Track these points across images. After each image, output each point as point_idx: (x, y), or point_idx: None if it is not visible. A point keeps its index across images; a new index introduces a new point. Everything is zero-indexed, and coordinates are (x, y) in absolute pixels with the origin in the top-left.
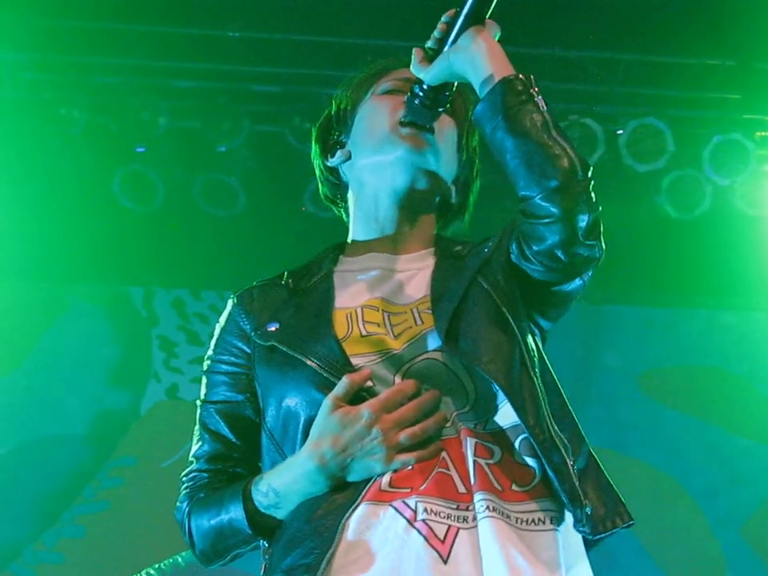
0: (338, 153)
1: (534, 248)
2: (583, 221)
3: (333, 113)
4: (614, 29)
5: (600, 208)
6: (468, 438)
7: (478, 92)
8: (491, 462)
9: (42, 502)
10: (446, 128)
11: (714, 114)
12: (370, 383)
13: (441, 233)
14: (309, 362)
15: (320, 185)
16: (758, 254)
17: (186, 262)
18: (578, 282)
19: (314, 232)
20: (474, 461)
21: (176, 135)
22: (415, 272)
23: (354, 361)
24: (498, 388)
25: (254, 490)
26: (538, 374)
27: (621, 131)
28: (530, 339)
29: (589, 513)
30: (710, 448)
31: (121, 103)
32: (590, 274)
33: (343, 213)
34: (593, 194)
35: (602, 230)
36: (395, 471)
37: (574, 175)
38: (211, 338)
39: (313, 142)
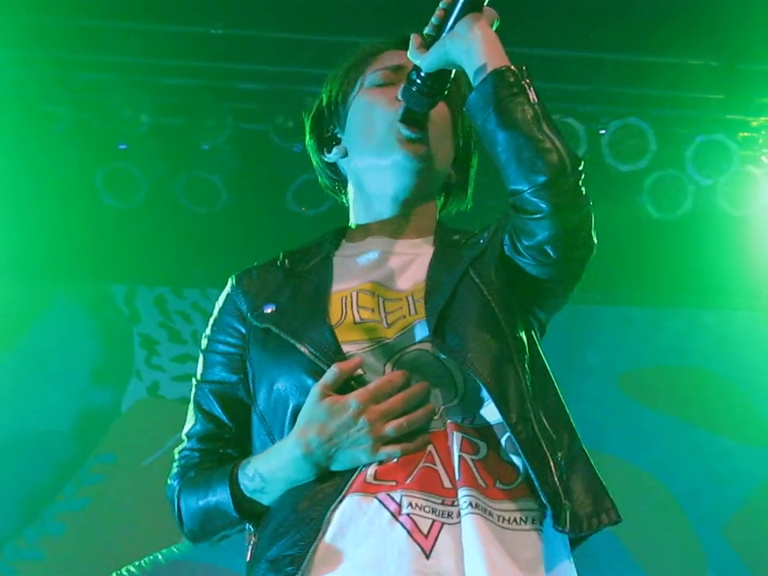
0: (335, 149)
1: (525, 243)
2: (573, 216)
3: (324, 104)
4: (596, 28)
5: (591, 202)
6: (455, 433)
7: (471, 81)
8: (476, 458)
9: (22, 498)
10: (440, 114)
11: (697, 114)
12: (360, 372)
13: (444, 212)
14: (301, 348)
15: (318, 176)
16: (740, 253)
17: (168, 259)
18: (571, 275)
19: (297, 230)
20: (460, 456)
21: (159, 132)
22: (413, 257)
23: (346, 348)
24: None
25: (240, 473)
26: (527, 371)
27: (603, 131)
28: (522, 335)
29: (568, 513)
30: (691, 448)
31: (104, 100)
32: (583, 267)
33: (344, 200)
34: (583, 189)
35: (593, 224)
36: (381, 463)
37: (564, 170)
38: (209, 320)
39: (307, 133)
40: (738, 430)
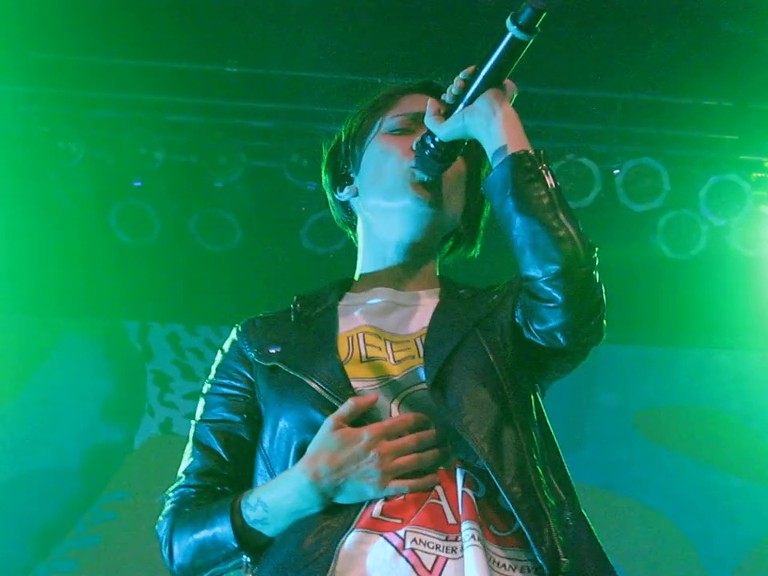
0: (347, 189)
1: (536, 327)
2: (585, 306)
3: (341, 143)
4: (611, 68)
5: (603, 288)
6: (458, 469)
7: (489, 160)
8: (477, 494)
9: (34, 535)
10: (454, 167)
11: (711, 154)
12: (369, 408)
13: (448, 258)
14: (310, 383)
15: (332, 210)
16: (754, 294)
17: (182, 296)
18: (578, 356)
19: (311, 268)
20: (463, 491)
21: (173, 170)
22: (417, 307)
23: (354, 384)
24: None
25: (243, 503)
26: (530, 432)
27: (617, 170)
28: (525, 397)
29: (566, 571)
30: (704, 488)
31: (118, 137)
32: (589, 351)
33: (354, 239)
34: (596, 277)
35: (605, 311)
36: (388, 500)
37: (577, 260)
38: (212, 367)
39: (322, 169)
40: (751, 470)
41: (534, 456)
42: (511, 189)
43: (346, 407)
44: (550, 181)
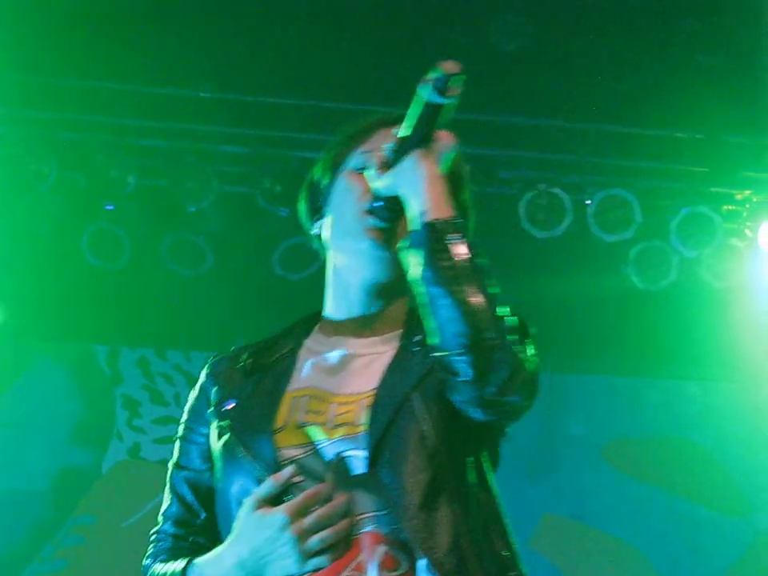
0: (317, 224)
1: (455, 398)
2: (496, 381)
3: (315, 177)
4: (583, 99)
5: (524, 356)
6: (377, 546)
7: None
8: (395, 574)
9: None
10: None
11: (682, 186)
12: (299, 478)
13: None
14: (246, 454)
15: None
16: (723, 325)
17: (152, 321)
18: (507, 422)
19: (282, 294)
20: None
21: (145, 194)
22: (375, 357)
23: (289, 453)
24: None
25: (189, 572)
26: (463, 501)
27: (589, 201)
28: (464, 460)
29: None
30: (672, 518)
31: (90, 160)
32: (521, 414)
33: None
34: (509, 346)
35: (526, 378)
36: (310, 572)
37: (481, 333)
38: (185, 406)
39: (300, 200)
40: (719, 501)
41: (469, 524)
42: (424, 259)
43: (264, 486)
44: (458, 250)
